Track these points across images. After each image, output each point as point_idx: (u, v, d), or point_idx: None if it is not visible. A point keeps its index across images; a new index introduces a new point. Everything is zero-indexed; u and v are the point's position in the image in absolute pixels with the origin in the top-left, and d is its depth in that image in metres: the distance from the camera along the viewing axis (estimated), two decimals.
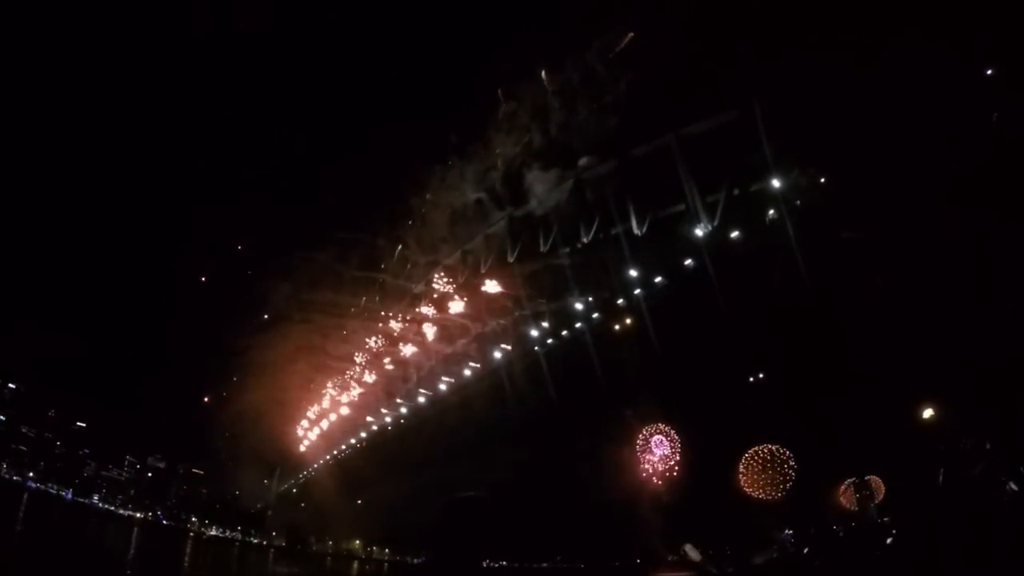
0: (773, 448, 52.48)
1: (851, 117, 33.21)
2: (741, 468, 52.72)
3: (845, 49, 32.28)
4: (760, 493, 51.98)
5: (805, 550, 48.40)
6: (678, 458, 54.57)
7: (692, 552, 51.79)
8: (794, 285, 39.79)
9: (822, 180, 38.66)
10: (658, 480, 54.35)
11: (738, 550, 51.97)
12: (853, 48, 32.06)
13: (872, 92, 32.33)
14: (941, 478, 36.07)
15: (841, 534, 49.24)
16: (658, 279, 48.83)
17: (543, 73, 46.56)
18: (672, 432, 54.99)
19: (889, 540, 41.26)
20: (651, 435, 55.08)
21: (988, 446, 34.12)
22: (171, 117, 66.47)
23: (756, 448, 52.91)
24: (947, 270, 33.04)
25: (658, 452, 54.93)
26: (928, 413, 38.61)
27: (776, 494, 51.83)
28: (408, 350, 67.18)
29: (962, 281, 32.81)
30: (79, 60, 60.40)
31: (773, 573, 48.83)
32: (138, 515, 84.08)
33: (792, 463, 51.83)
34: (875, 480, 47.66)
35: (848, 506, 49.81)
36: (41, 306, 74.37)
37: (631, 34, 41.46)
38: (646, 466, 55.00)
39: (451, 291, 59.34)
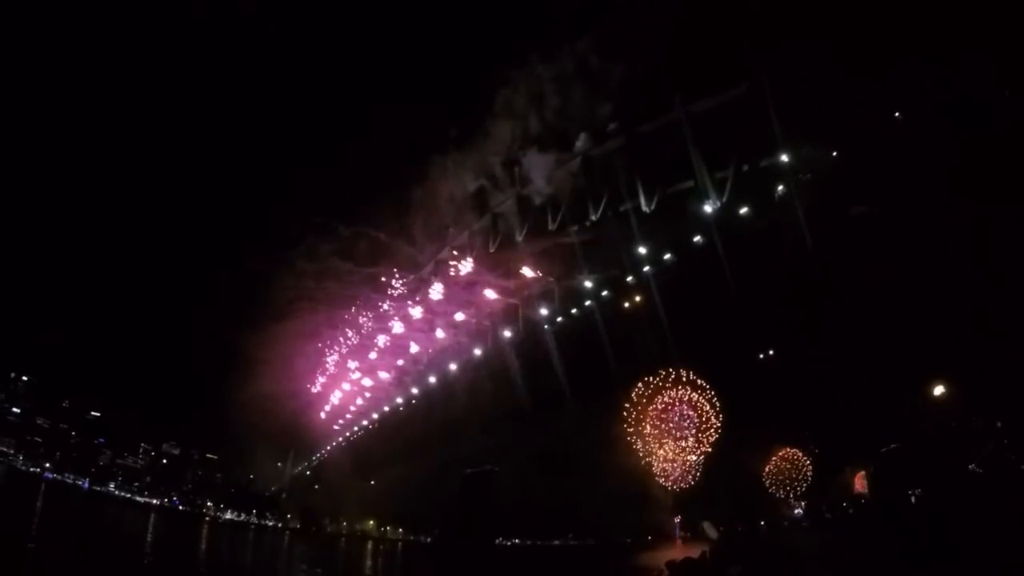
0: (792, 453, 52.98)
1: (861, 100, 32.86)
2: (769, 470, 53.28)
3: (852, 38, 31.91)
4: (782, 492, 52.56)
5: (816, 526, 48.67)
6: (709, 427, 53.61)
7: (710, 530, 52.31)
8: (804, 263, 39.56)
9: (833, 154, 38.26)
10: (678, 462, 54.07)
11: (750, 527, 52.28)
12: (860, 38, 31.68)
13: (880, 79, 31.98)
14: (953, 457, 36.03)
15: (851, 512, 49.38)
16: (667, 256, 48.69)
17: (544, 55, 46.28)
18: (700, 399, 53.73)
19: (899, 518, 41.27)
20: (672, 405, 53.99)
21: (999, 424, 34.01)
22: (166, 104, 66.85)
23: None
24: (960, 251, 32.75)
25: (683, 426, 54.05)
26: (939, 391, 38.41)
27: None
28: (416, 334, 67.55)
29: (975, 262, 32.52)
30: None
31: (782, 548, 49.05)
32: (154, 501, 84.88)
33: (809, 466, 52.43)
34: (884, 459, 47.69)
35: (859, 485, 49.88)
36: (56, 299, 74.74)
37: (641, 11, 40.96)
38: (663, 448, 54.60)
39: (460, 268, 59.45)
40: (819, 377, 43.51)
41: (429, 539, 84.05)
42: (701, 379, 52.99)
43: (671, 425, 54.03)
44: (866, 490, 48.21)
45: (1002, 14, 28.97)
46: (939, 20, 29.69)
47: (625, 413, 54.85)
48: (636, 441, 53.65)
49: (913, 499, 39.91)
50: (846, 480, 50.09)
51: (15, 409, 77.10)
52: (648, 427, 54.55)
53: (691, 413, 53.80)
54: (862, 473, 48.94)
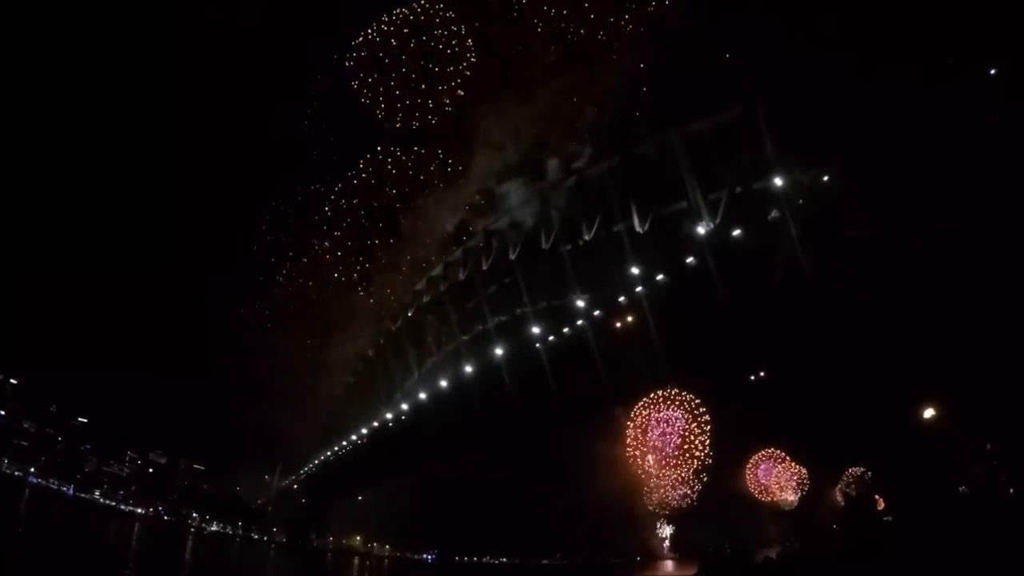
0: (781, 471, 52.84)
1: (854, 116, 33.20)
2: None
3: (848, 50, 32.31)
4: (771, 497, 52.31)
5: (804, 546, 48.52)
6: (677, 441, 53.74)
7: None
8: (795, 283, 39.73)
9: (824, 179, 38.56)
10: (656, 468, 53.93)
11: (737, 547, 52.12)
12: (856, 49, 32.09)
13: (875, 92, 32.32)
14: (941, 477, 36.10)
15: (839, 530, 49.30)
16: (660, 276, 48.80)
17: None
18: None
19: (888, 538, 41.25)
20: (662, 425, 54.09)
21: (988, 446, 34.10)
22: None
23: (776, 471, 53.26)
24: (948, 270, 33.01)
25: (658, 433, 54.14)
26: (929, 413, 38.50)
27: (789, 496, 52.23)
28: None
29: (963, 281, 32.77)
30: None
31: (771, 568, 48.87)
32: (139, 510, 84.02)
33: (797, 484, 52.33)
34: (876, 478, 47.72)
35: (847, 503, 49.87)
36: (46, 302, 74.42)
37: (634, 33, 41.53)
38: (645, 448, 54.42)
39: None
40: (810, 398, 43.63)
41: (430, 557, 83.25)
42: (693, 399, 53.16)
43: (660, 444, 54.08)
44: (854, 505, 48.28)
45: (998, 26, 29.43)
46: (933, 35, 30.13)
47: (615, 433, 54.95)
48: (628, 460, 53.76)
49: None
50: (834, 498, 50.17)
51: (1, 412, 76.53)
52: (638, 447, 54.60)
53: (680, 435, 53.91)
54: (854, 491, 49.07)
